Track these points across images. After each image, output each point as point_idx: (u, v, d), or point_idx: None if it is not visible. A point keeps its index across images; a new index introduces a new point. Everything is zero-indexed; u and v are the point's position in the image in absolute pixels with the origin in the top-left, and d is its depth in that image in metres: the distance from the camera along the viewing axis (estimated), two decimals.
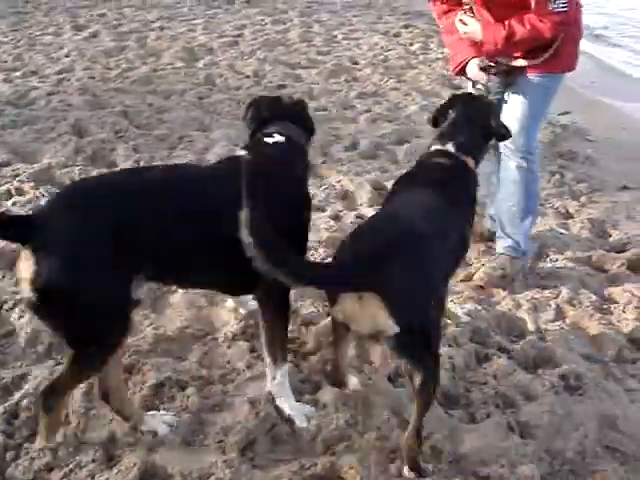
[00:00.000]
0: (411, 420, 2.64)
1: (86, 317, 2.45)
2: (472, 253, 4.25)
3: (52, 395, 2.59)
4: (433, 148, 3.22)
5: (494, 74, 3.91)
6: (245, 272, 2.37)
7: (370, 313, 2.34)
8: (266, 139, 3.10)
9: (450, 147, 3.15)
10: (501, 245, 4.22)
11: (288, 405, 2.96)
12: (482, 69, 3.87)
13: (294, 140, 3.17)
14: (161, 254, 2.59)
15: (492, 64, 3.88)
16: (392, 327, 2.35)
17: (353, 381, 3.07)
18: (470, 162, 3.18)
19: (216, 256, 2.68)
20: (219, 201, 2.67)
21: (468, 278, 4.13)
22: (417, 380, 2.51)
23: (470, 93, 3.83)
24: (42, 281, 2.29)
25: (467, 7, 3.84)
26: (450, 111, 3.34)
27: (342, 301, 2.39)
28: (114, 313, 2.52)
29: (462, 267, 3.97)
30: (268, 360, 2.98)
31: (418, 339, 2.46)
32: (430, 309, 2.51)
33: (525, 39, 3.62)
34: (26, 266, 2.30)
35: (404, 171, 3.26)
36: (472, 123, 3.26)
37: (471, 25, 3.80)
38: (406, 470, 2.66)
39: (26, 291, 2.32)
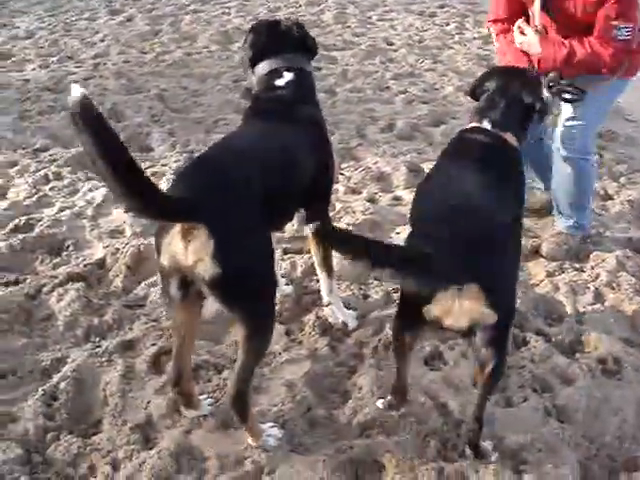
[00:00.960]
0: (475, 403, 2.64)
1: (264, 286, 2.53)
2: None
3: (242, 393, 2.58)
4: (470, 125, 3.15)
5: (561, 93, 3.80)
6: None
7: (470, 305, 2.32)
8: (276, 82, 3.10)
9: (486, 124, 3.05)
10: (562, 224, 4.22)
11: (341, 312, 3.44)
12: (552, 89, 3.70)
13: (302, 70, 3.17)
14: (281, 210, 2.88)
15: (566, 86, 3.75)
16: (492, 317, 2.34)
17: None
18: (510, 138, 3.06)
19: (299, 195, 2.97)
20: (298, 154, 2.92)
21: (534, 251, 4.14)
22: (490, 367, 2.50)
23: (508, 66, 3.70)
24: (227, 255, 2.31)
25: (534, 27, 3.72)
26: (487, 84, 3.20)
27: (440, 297, 2.33)
28: (274, 278, 2.70)
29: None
30: (323, 275, 3.41)
31: (506, 327, 2.50)
32: (515, 298, 2.60)
33: (584, 61, 3.57)
34: (201, 243, 2.29)
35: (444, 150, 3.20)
36: (509, 97, 3.11)
37: (530, 36, 3.70)
38: (467, 449, 2.69)
39: (207, 268, 2.30)
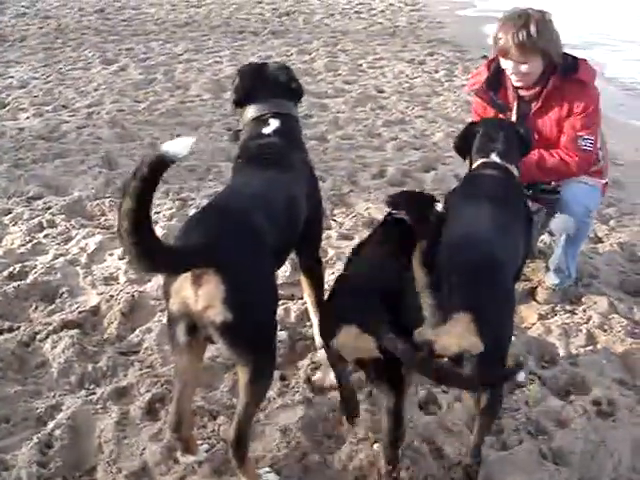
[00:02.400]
0: (473, 439, 2.67)
1: (270, 332, 2.60)
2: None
3: (242, 436, 2.58)
4: (478, 162, 3.33)
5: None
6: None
7: (459, 332, 2.38)
8: (263, 129, 3.15)
9: (495, 158, 3.28)
10: (556, 279, 4.23)
11: None
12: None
13: (287, 115, 3.23)
14: (281, 255, 2.96)
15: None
16: (478, 346, 2.39)
17: None
18: (513, 170, 3.30)
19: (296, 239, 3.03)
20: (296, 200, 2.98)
21: (527, 294, 4.20)
22: (484, 400, 2.55)
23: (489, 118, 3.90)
24: (238, 300, 2.35)
25: None
26: (476, 131, 3.45)
27: (431, 322, 2.40)
28: (277, 324, 2.73)
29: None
30: (316, 317, 3.39)
31: (495, 360, 2.51)
32: (508, 329, 2.63)
33: (554, 166, 3.85)
34: (212, 289, 2.32)
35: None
36: (503, 133, 3.38)
37: None
38: None
39: (218, 313, 2.33)
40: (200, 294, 2.34)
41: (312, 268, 3.35)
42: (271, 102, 3.20)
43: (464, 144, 3.51)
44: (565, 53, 3.86)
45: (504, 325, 2.58)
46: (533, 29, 3.65)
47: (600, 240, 4.95)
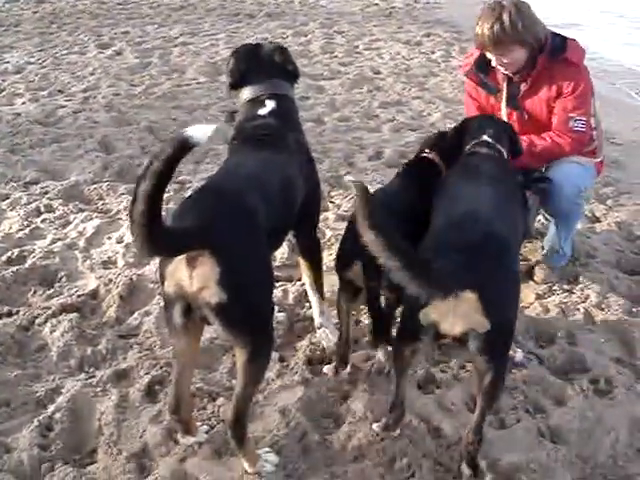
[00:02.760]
0: (474, 417, 2.68)
1: (266, 311, 2.61)
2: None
3: (241, 417, 2.59)
4: (471, 143, 3.39)
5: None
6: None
7: (465, 311, 2.40)
8: (259, 111, 3.14)
9: (486, 137, 3.35)
10: (552, 259, 4.25)
11: (334, 334, 3.41)
12: None
13: (283, 96, 3.22)
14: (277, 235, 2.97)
15: None
16: (485, 325, 2.41)
17: None
18: (504, 152, 3.37)
19: (292, 219, 3.04)
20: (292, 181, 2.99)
21: (524, 274, 4.16)
22: (488, 378, 2.56)
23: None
24: (233, 281, 2.36)
25: None
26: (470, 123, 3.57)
27: (437, 301, 2.41)
28: (273, 304, 2.78)
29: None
30: (315, 298, 3.45)
31: (501, 338, 2.54)
32: (515, 307, 2.65)
33: (545, 150, 3.84)
34: (207, 269, 2.33)
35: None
36: (495, 124, 3.50)
37: None
38: (464, 467, 2.71)
39: (214, 294, 2.35)
40: (195, 275, 2.35)
41: (310, 249, 3.36)
42: (267, 83, 3.19)
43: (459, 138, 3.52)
44: (554, 33, 3.87)
45: (510, 304, 2.59)
46: (506, 22, 3.65)
47: (598, 219, 4.95)
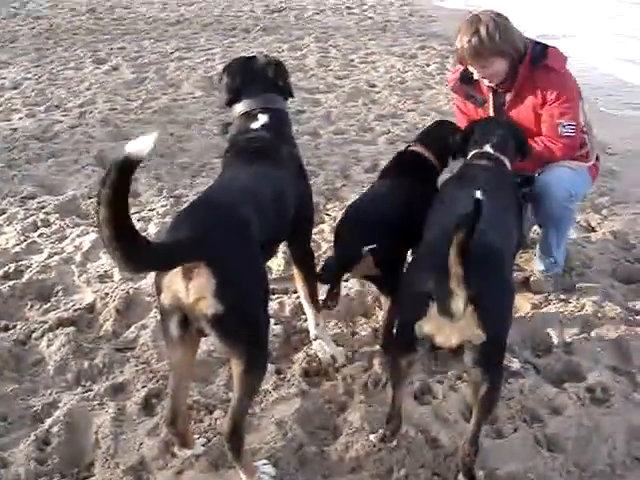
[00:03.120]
0: (470, 428, 2.68)
1: (261, 323, 2.62)
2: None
3: (237, 428, 2.60)
4: (472, 153, 3.43)
5: None
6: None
7: (461, 324, 2.41)
8: (252, 124, 3.17)
9: (488, 148, 3.38)
10: (542, 266, 4.26)
11: (330, 346, 3.45)
12: None
13: (276, 110, 3.25)
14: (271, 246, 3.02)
15: None
16: (480, 337, 2.43)
17: None
18: (506, 161, 3.39)
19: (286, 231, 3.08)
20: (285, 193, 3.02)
21: (519, 283, 4.16)
22: (483, 389, 2.56)
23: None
24: (228, 292, 2.38)
25: None
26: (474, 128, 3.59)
27: (432, 314, 2.44)
28: (269, 315, 2.81)
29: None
30: (310, 310, 3.45)
31: (496, 349, 2.56)
32: (509, 320, 2.66)
33: (539, 154, 3.85)
34: (204, 281, 2.35)
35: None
36: (502, 129, 3.52)
37: None
38: (461, 478, 2.71)
39: (210, 305, 2.37)
40: (191, 287, 2.36)
41: (304, 260, 3.37)
42: (260, 97, 3.22)
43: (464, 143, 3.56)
44: (535, 42, 3.91)
45: (505, 315, 2.61)
46: (484, 34, 3.70)
47: (593, 229, 4.96)
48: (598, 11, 13.70)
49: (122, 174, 2.06)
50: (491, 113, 4.01)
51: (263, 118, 3.17)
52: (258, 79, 3.26)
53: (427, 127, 3.98)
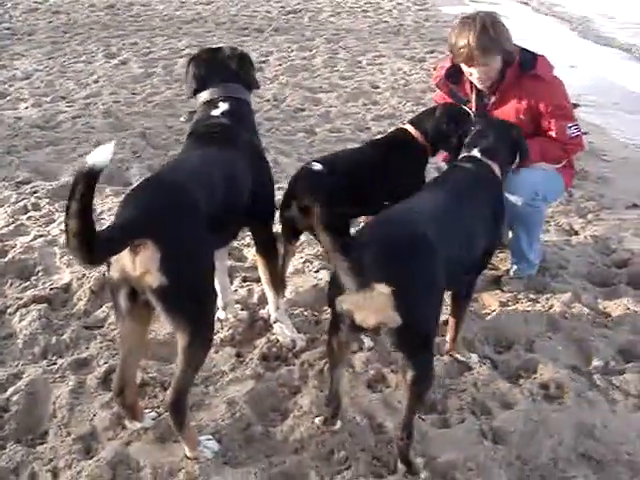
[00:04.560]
0: (403, 413, 2.75)
1: (205, 298, 2.73)
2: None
3: (179, 400, 2.70)
4: (461, 156, 3.48)
5: None
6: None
7: (377, 304, 2.48)
8: (212, 112, 3.31)
9: (475, 152, 3.41)
10: (515, 266, 4.31)
11: (289, 329, 3.56)
12: None
13: (238, 99, 3.38)
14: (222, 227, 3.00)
15: None
16: (396, 320, 2.49)
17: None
18: (494, 167, 3.42)
19: (238, 213, 3.16)
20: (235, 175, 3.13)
21: (491, 281, 4.26)
22: (410, 376, 2.63)
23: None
24: (172, 266, 2.50)
25: None
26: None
27: (350, 291, 2.51)
28: (214, 293, 2.87)
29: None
30: (271, 293, 3.55)
31: (416, 335, 2.61)
32: (431, 308, 2.70)
33: (556, 157, 4.06)
34: (149, 255, 2.48)
35: None
36: (496, 132, 3.53)
37: None
38: (399, 463, 2.78)
39: (155, 278, 2.49)
40: (137, 261, 2.49)
41: (265, 245, 3.47)
42: (222, 86, 3.36)
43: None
44: (523, 49, 3.99)
45: (424, 303, 2.64)
46: (492, 31, 3.79)
47: (575, 233, 4.99)
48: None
49: (87, 184, 2.23)
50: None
51: (224, 106, 3.30)
52: (222, 70, 3.39)
53: (427, 109, 4.05)
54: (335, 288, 2.59)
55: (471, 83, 4.06)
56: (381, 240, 2.62)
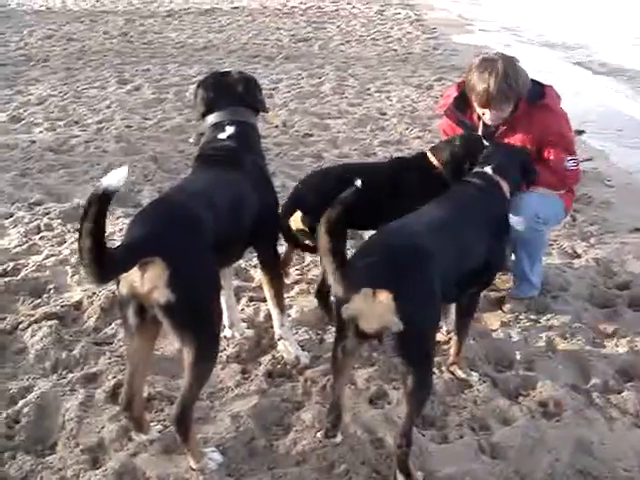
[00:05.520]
0: (402, 421, 2.83)
1: (211, 314, 2.83)
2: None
3: (184, 413, 2.79)
4: (473, 171, 3.62)
5: None
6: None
7: (380, 310, 2.60)
8: (219, 135, 3.43)
9: (488, 169, 3.54)
10: (519, 290, 4.39)
11: (293, 347, 3.64)
12: None
13: (244, 123, 3.50)
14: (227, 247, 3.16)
15: None
16: (397, 324, 2.59)
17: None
18: (504, 184, 3.53)
19: (244, 234, 3.29)
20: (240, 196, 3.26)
21: (493, 303, 4.33)
22: (410, 382, 2.72)
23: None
24: (182, 282, 2.62)
25: None
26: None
27: (356, 298, 2.62)
28: (220, 310, 3.01)
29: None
30: (276, 310, 3.64)
31: (416, 340, 2.71)
32: (430, 314, 2.81)
33: (552, 184, 4.15)
34: (157, 273, 2.59)
35: None
36: (508, 154, 3.72)
37: None
38: (399, 474, 2.83)
39: (163, 294, 2.60)
40: (146, 277, 2.60)
41: (269, 263, 3.57)
42: (229, 110, 3.48)
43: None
44: (532, 79, 4.10)
45: (425, 309, 2.75)
46: (512, 79, 3.90)
47: (578, 256, 5.04)
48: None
49: (100, 205, 2.37)
50: None
51: (230, 129, 3.42)
52: (229, 93, 3.51)
53: (449, 137, 4.18)
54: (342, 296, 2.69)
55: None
56: (384, 249, 2.76)
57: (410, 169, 3.98)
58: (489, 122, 4.09)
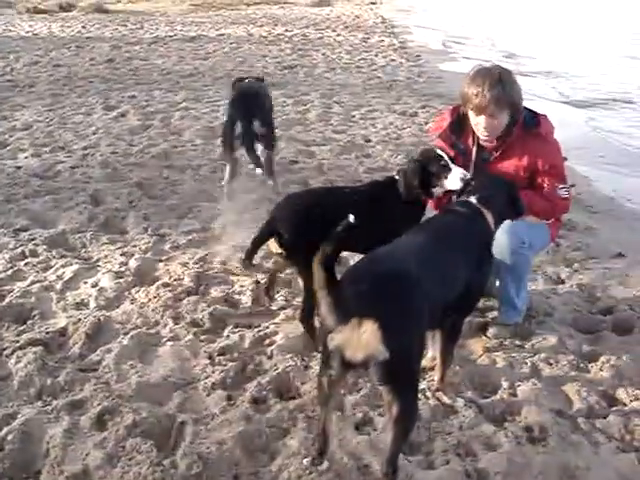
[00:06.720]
0: (388, 448, 2.84)
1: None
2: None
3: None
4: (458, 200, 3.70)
5: None
6: None
7: (365, 339, 2.60)
8: None
9: (472, 199, 3.59)
10: (504, 316, 4.41)
11: None
12: None
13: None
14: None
15: None
16: (383, 353, 2.61)
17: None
18: (488, 215, 3.57)
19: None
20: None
21: (478, 328, 4.35)
22: (395, 410, 2.74)
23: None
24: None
25: None
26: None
27: (342, 329, 2.64)
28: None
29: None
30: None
31: (401, 367, 2.73)
32: (415, 342, 2.84)
33: (543, 212, 4.21)
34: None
35: None
36: (495, 186, 3.77)
37: None
38: None
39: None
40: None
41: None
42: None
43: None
44: (525, 107, 4.17)
45: (409, 337, 2.78)
46: (507, 84, 3.97)
47: (562, 281, 5.07)
48: None
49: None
50: (472, 165, 4.24)
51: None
52: None
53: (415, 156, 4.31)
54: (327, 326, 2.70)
55: (473, 136, 4.21)
56: (368, 277, 2.77)
57: (377, 192, 4.13)
58: (484, 136, 4.11)
